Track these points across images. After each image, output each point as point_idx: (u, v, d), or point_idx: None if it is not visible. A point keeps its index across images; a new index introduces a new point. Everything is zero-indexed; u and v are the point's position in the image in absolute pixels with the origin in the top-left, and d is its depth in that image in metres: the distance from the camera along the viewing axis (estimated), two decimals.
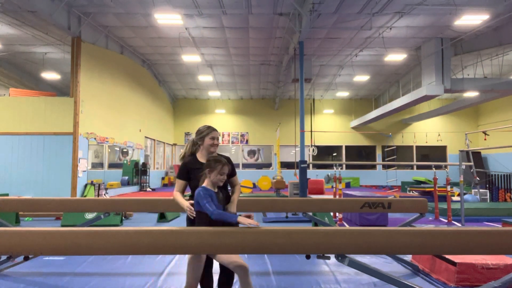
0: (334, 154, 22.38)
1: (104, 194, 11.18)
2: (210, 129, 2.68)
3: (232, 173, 2.68)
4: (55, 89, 17.99)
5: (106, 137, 12.80)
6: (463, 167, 7.53)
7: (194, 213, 2.39)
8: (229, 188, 2.74)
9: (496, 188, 10.78)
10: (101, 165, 14.51)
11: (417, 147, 21.59)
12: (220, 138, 3.01)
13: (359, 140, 22.02)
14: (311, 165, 20.90)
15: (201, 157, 2.65)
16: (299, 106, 11.31)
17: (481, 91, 14.09)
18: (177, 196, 2.58)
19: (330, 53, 14.49)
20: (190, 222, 2.54)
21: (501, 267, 3.44)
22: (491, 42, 12.16)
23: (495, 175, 11.15)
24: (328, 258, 2.38)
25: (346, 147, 21.95)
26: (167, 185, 19.77)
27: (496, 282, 2.62)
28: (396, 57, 14.45)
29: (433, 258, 3.87)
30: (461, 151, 9.98)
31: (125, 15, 11.25)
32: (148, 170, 16.51)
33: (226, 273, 2.59)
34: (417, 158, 21.51)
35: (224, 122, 21.92)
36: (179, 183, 2.65)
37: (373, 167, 21.72)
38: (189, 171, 2.59)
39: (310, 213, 4.60)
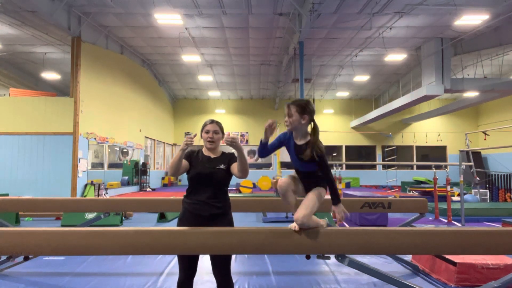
0: (334, 154, 22.38)
1: (104, 194, 11.18)
2: (207, 122, 2.52)
3: (233, 162, 2.46)
4: (55, 89, 17.99)
5: (106, 137, 12.80)
6: (463, 167, 7.53)
7: (191, 139, 2.26)
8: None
9: (496, 188, 10.78)
10: (101, 165, 14.51)
11: (417, 147, 21.59)
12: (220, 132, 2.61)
13: (359, 140, 22.02)
14: None
15: (205, 151, 2.54)
16: None
17: (481, 91, 14.08)
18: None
19: (330, 53, 14.48)
20: (181, 222, 2.45)
21: (501, 267, 3.44)
22: (491, 42, 12.16)
23: (495, 175, 11.15)
24: (328, 258, 2.37)
25: (346, 147, 21.95)
26: (167, 185, 19.77)
27: (496, 282, 2.62)
28: (396, 57, 14.45)
29: (433, 258, 3.87)
30: (461, 151, 10.00)
31: (125, 15, 11.25)
32: (148, 170, 16.51)
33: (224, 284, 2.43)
34: (417, 158, 21.51)
35: (224, 122, 21.63)
36: None
37: (373, 167, 21.72)
38: (191, 158, 2.45)
39: None
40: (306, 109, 2.29)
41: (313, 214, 2.25)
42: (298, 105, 2.29)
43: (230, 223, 2.46)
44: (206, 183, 2.40)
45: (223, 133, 2.55)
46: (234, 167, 2.42)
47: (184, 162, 2.41)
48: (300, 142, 2.33)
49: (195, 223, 2.37)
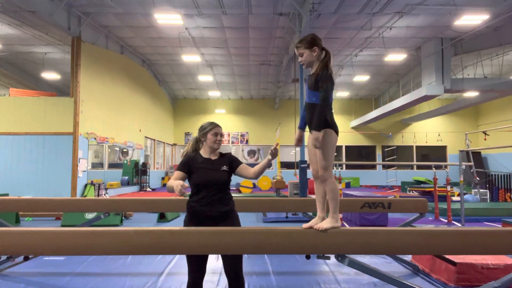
0: (334, 154, 22.35)
1: (104, 194, 11.18)
2: (213, 125, 2.54)
3: (237, 164, 2.53)
4: (55, 89, 17.98)
5: (106, 137, 12.79)
6: (463, 167, 7.53)
7: (184, 191, 2.27)
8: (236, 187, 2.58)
9: (496, 188, 10.78)
10: (101, 165, 14.51)
11: (417, 147, 21.59)
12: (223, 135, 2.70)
13: (359, 140, 22.02)
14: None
15: (204, 153, 2.53)
16: (299, 106, 11.31)
17: (481, 91, 14.09)
18: (171, 181, 2.38)
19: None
20: (188, 221, 2.46)
21: (501, 267, 3.44)
22: (491, 42, 12.15)
23: (495, 175, 11.15)
24: (328, 258, 2.37)
25: (346, 147, 21.94)
26: None
27: (496, 282, 2.62)
28: (396, 57, 14.45)
29: (433, 258, 3.87)
30: (461, 151, 10.00)
31: (125, 15, 11.25)
32: (148, 170, 16.51)
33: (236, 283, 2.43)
34: (417, 158, 21.51)
35: (224, 122, 21.89)
36: (177, 174, 2.46)
37: (373, 167, 21.71)
38: (191, 166, 2.45)
39: (310, 213, 4.60)
40: (311, 41, 2.42)
41: (331, 163, 2.38)
42: (304, 42, 2.42)
43: (237, 220, 2.49)
44: (211, 185, 2.41)
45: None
46: (243, 170, 2.52)
47: (182, 175, 2.45)
48: (312, 71, 2.43)
49: (202, 225, 2.37)
